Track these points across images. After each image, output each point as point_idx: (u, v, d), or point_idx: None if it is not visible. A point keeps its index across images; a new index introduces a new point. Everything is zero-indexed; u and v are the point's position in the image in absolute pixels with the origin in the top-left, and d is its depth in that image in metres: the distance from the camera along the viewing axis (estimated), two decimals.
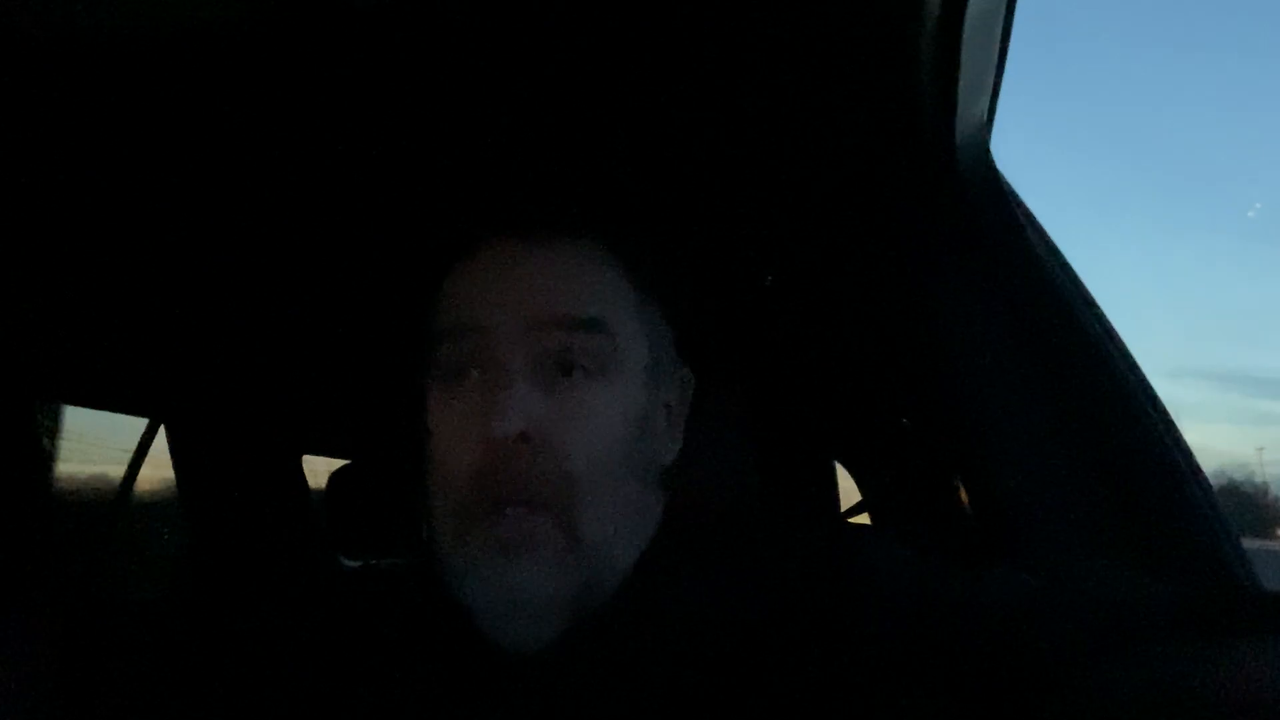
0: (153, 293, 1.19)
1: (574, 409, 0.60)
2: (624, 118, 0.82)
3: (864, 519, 2.05)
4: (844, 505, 1.94)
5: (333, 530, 1.80)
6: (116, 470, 1.72)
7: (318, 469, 2.19)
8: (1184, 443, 0.73)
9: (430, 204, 0.97)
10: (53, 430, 1.18)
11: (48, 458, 0.97)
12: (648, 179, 0.94)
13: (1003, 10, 0.71)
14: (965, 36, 0.66)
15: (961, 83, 0.71)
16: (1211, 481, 0.74)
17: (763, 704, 0.55)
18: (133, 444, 1.70)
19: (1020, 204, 0.83)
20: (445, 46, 0.69)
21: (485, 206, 0.75)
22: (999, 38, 0.73)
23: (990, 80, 0.77)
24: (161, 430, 1.70)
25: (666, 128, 0.84)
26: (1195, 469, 0.72)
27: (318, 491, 2.12)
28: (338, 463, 2.19)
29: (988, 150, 0.82)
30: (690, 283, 0.74)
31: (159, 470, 1.74)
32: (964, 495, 0.83)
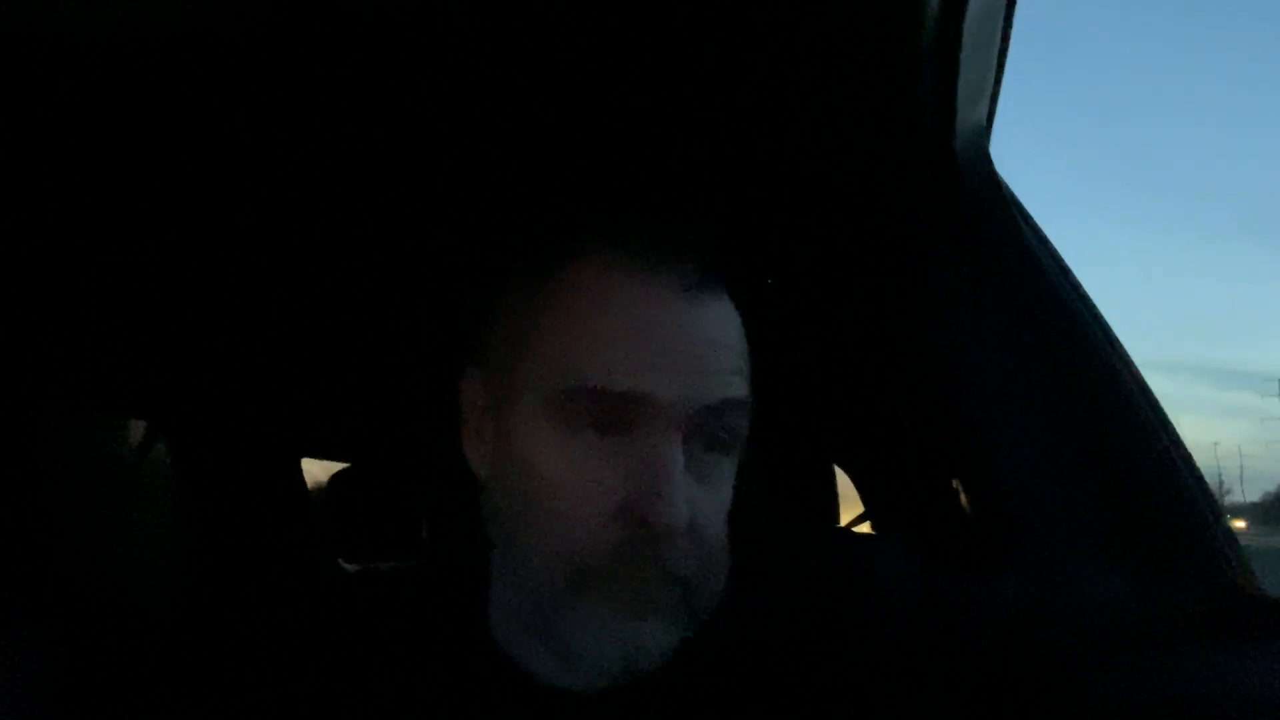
0: (154, 294, 1.19)
1: (716, 490, 0.59)
2: (624, 117, 0.82)
3: (865, 526, 2.04)
4: (846, 509, 1.94)
5: (333, 533, 1.80)
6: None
7: (310, 469, 2.19)
8: (1183, 446, 0.73)
9: (454, 204, 0.96)
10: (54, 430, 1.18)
11: (48, 458, 0.97)
12: (651, 181, 0.94)
13: (1002, 13, 0.71)
14: (965, 39, 0.66)
15: (961, 86, 0.71)
16: None
17: (771, 707, 0.56)
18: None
19: (1020, 207, 0.83)
20: (449, 35, 0.69)
21: (564, 222, 0.70)
22: (998, 41, 0.73)
23: (990, 83, 0.77)
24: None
25: (669, 130, 0.84)
26: (1195, 473, 0.72)
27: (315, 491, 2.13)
28: (333, 465, 2.19)
29: (987, 153, 0.82)
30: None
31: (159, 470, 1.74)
32: (963, 498, 0.83)
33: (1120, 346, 0.78)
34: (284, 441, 1.98)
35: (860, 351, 1.30)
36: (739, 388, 0.59)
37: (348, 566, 2.09)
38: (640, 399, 0.56)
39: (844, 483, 1.93)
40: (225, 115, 0.77)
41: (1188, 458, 0.73)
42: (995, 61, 0.75)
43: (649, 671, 0.56)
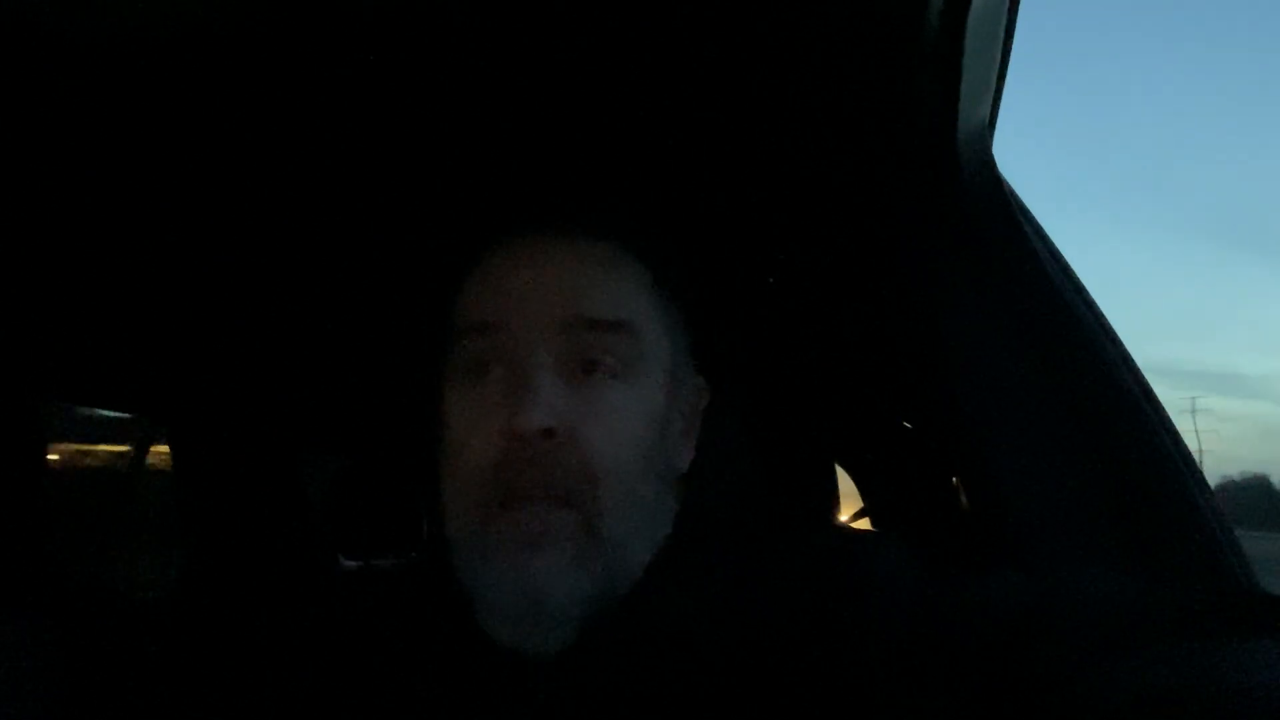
0: (154, 292, 1.19)
1: (597, 407, 0.60)
2: (628, 117, 0.82)
3: (865, 523, 2.05)
4: (846, 506, 1.95)
5: (332, 530, 1.80)
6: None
7: None
8: (1183, 444, 0.73)
9: (445, 201, 0.97)
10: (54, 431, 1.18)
11: (48, 458, 0.97)
12: (658, 180, 0.94)
13: (1005, 12, 0.71)
14: (967, 38, 0.66)
15: (964, 85, 0.71)
16: None
17: (770, 706, 0.56)
18: None
19: (1022, 206, 0.83)
20: (457, 40, 0.69)
21: (503, 204, 0.75)
22: (1001, 40, 0.73)
23: (992, 82, 0.77)
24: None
25: (670, 129, 0.84)
26: (1195, 471, 0.72)
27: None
28: None
29: (989, 152, 0.82)
30: (707, 288, 0.74)
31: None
32: (963, 497, 0.83)
33: (1121, 345, 0.78)
34: (283, 439, 1.98)
35: (861, 350, 1.30)
36: (612, 311, 0.62)
37: (347, 563, 2.09)
38: (494, 325, 0.61)
39: (844, 481, 1.94)
40: (223, 114, 0.77)
41: (1188, 456, 0.73)
42: (998, 60, 0.75)
43: (558, 608, 0.57)
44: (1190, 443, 0.76)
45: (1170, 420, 0.74)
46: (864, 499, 2.05)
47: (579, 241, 0.64)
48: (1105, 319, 0.79)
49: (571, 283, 0.62)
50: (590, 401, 0.60)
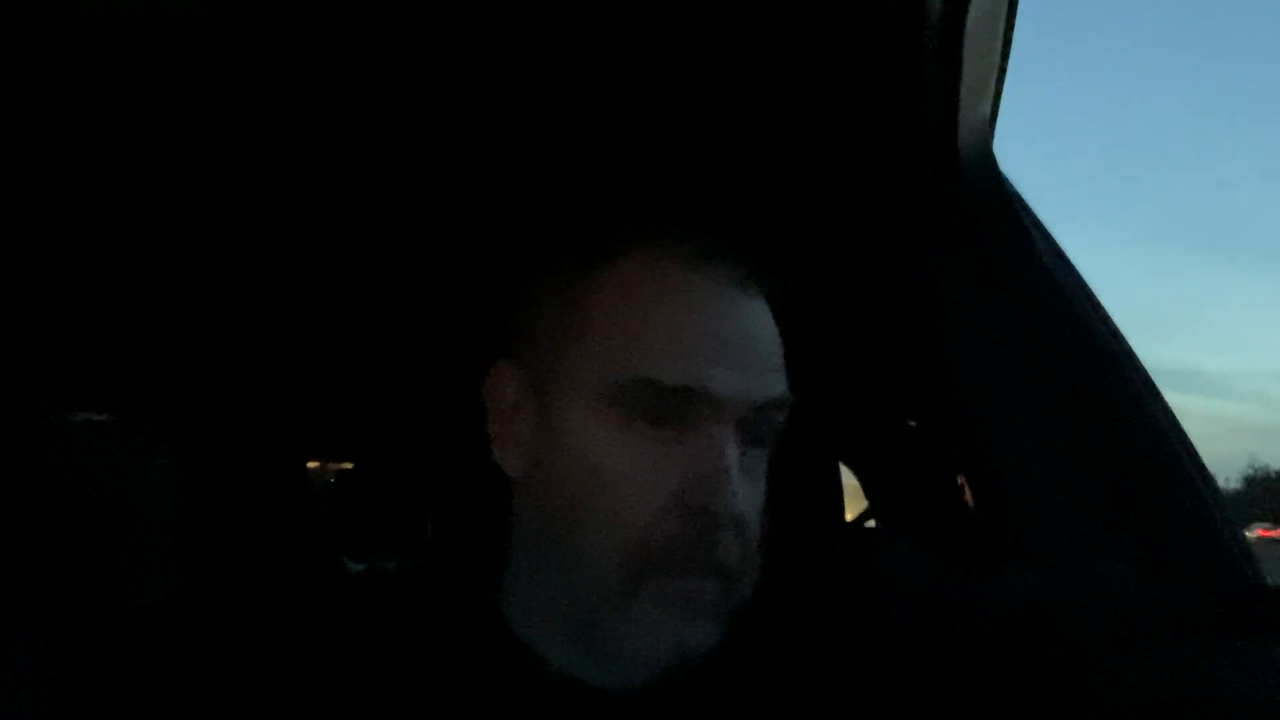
0: (158, 295, 1.19)
1: (757, 484, 0.60)
2: (626, 117, 0.82)
3: (872, 522, 2.04)
4: (849, 506, 1.94)
5: (338, 533, 1.80)
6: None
7: None
8: (1189, 442, 0.73)
9: (425, 212, 0.97)
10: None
11: (49, 458, 0.97)
12: (652, 180, 0.94)
13: (1005, 10, 0.70)
14: (968, 37, 0.65)
15: (964, 83, 0.70)
16: None
17: (777, 705, 0.55)
18: None
19: (1024, 204, 0.82)
20: (453, 41, 0.69)
21: (611, 214, 0.69)
22: (1001, 38, 0.73)
23: (993, 81, 0.77)
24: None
25: (670, 130, 0.84)
26: (1201, 468, 0.72)
27: None
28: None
29: (991, 150, 0.82)
30: None
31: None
32: (969, 495, 0.83)
33: (1125, 342, 0.78)
34: (287, 441, 1.98)
35: (864, 349, 1.30)
36: (783, 385, 0.60)
37: (353, 566, 2.09)
38: (699, 393, 0.56)
39: (848, 479, 1.93)
40: (228, 114, 0.77)
41: (1193, 453, 0.73)
42: (999, 58, 0.75)
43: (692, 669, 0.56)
44: None
45: (1175, 416, 0.74)
46: (869, 498, 2.05)
47: (750, 289, 0.61)
48: (1109, 315, 0.78)
49: (764, 353, 0.59)
50: (752, 477, 0.59)
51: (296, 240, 1.07)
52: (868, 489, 2.06)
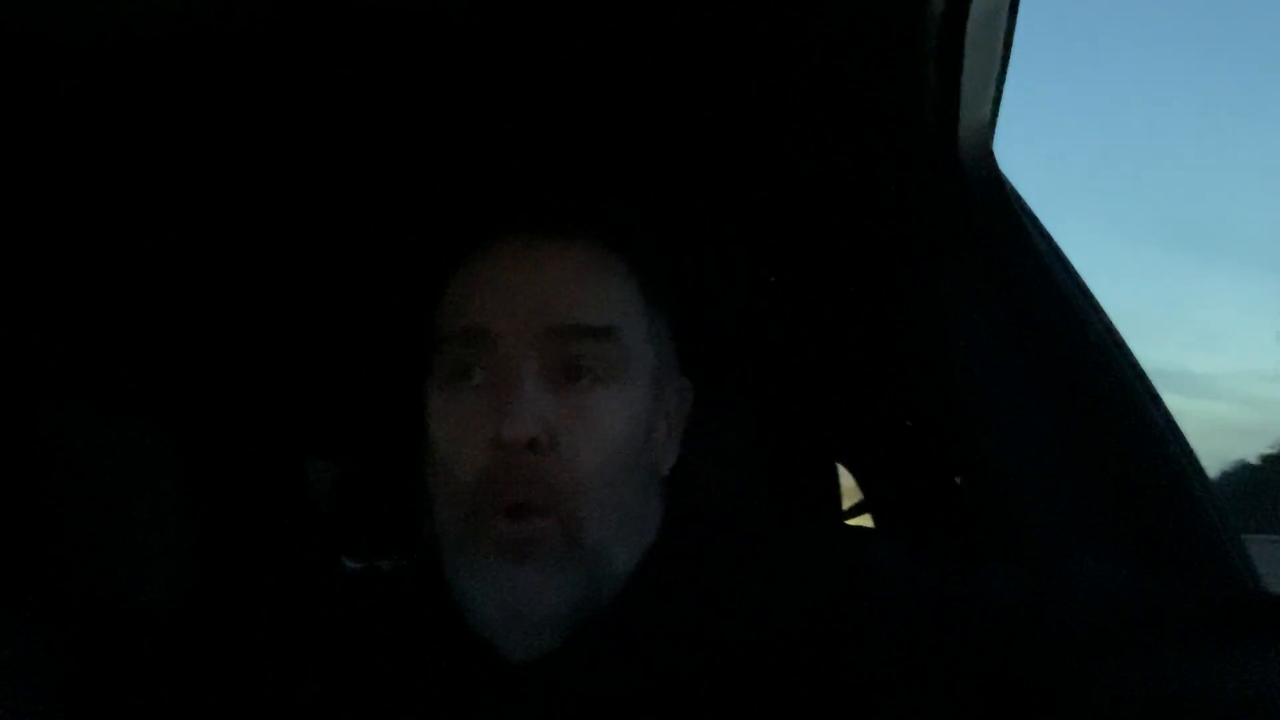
0: (156, 294, 1.19)
1: (582, 414, 0.60)
2: (625, 117, 0.82)
3: (866, 519, 2.04)
4: (847, 506, 1.94)
5: (335, 532, 1.80)
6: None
7: None
8: (1186, 443, 0.73)
9: (434, 203, 0.97)
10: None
11: (49, 458, 0.97)
12: (650, 181, 0.94)
13: (1006, 11, 0.70)
14: (968, 37, 0.66)
15: (964, 84, 0.71)
16: None
17: (766, 706, 0.55)
18: None
19: (1023, 205, 0.83)
20: (449, 41, 0.69)
21: (491, 205, 0.75)
22: (1002, 38, 0.73)
23: (994, 81, 0.77)
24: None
25: (669, 129, 0.84)
26: (1198, 469, 0.72)
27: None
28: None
29: (990, 152, 0.82)
30: (695, 290, 0.74)
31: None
32: (966, 496, 0.83)
33: (1124, 343, 0.78)
34: (285, 440, 1.98)
35: (862, 349, 1.30)
36: (589, 315, 0.61)
37: (350, 565, 2.09)
38: (480, 331, 0.60)
39: (845, 478, 1.93)
40: (225, 113, 0.77)
41: (1190, 454, 0.73)
42: (999, 58, 0.75)
43: (541, 620, 0.57)
44: None
45: (1172, 418, 0.74)
46: (866, 498, 2.05)
47: (566, 244, 0.64)
48: (1108, 317, 0.78)
49: (557, 288, 0.62)
50: (574, 408, 0.60)
51: (293, 239, 1.07)
52: (865, 488, 2.06)
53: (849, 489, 1.93)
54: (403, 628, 0.66)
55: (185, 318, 1.29)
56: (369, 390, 1.68)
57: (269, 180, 0.92)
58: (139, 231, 1.01)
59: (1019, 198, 0.83)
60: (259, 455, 1.84)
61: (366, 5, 0.64)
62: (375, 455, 2.13)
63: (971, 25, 0.65)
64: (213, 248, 1.07)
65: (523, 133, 0.83)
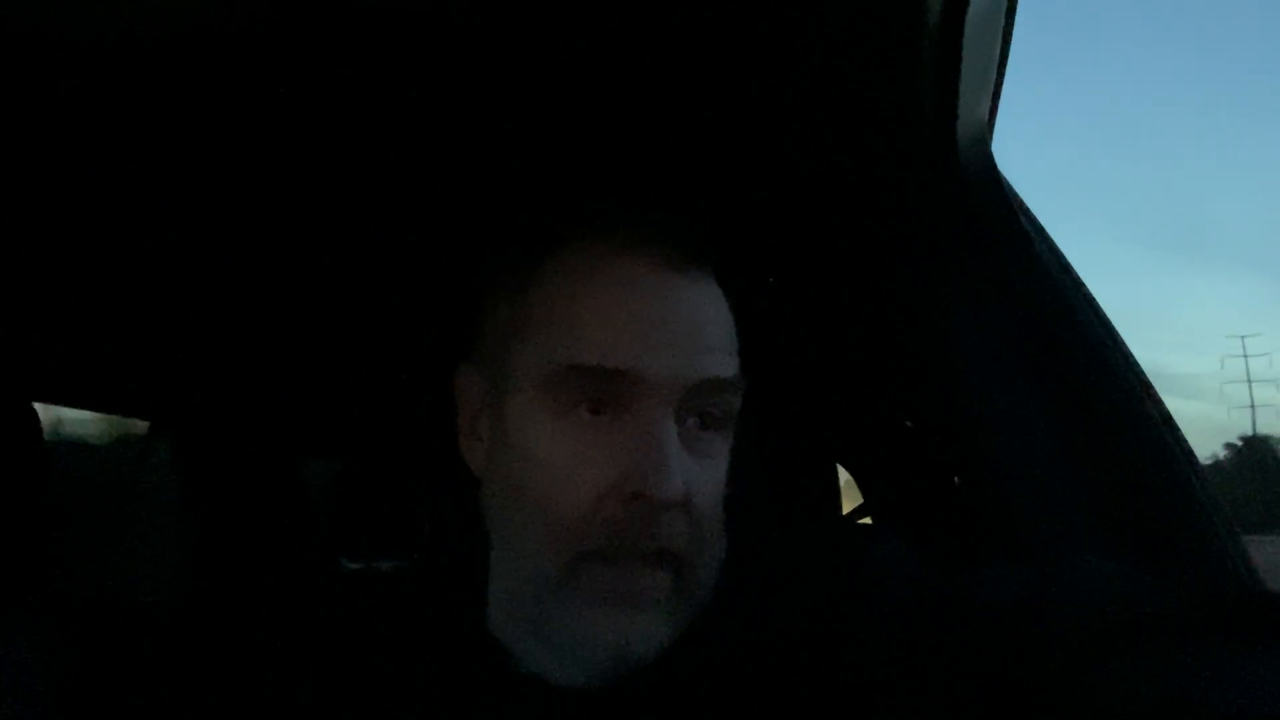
0: (155, 294, 1.19)
1: (710, 467, 0.59)
2: (624, 117, 0.82)
3: (865, 520, 2.05)
4: (846, 507, 1.94)
5: (334, 532, 1.80)
6: None
7: None
8: (1186, 443, 0.73)
9: (423, 211, 0.97)
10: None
11: (48, 458, 0.97)
12: (661, 184, 0.93)
13: (1004, 11, 0.71)
14: (966, 37, 0.66)
15: (963, 84, 0.71)
16: None
17: (767, 705, 0.55)
18: None
19: (1022, 205, 0.82)
20: (464, 41, 0.69)
21: (560, 215, 0.70)
22: (1000, 38, 0.73)
23: (992, 81, 0.77)
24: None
25: (667, 129, 0.84)
26: (1197, 470, 0.72)
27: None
28: None
29: (989, 151, 0.82)
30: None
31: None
32: (965, 496, 0.83)
33: (1122, 343, 0.78)
34: (285, 441, 1.98)
35: (861, 349, 1.30)
36: (728, 366, 0.60)
37: (349, 566, 2.09)
38: (631, 376, 0.56)
39: (844, 478, 1.93)
40: (228, 114, 0.77)
41: (1189, 453, 0.73)
42: (998, 59, 0.75)
43: (644, 666, 0.55)
44: None
45: (1171, 418, 0.74)
46: (865, 498, 2.05)
47: (694, 275, 0.60)
48: (1106, 316, 0.78)
49: (703, 334, 0.59)
50: (704, 462, 0.58)
51: (293, 240, 1.07)
52: (864, 489, 2.06)
53: (844, 485, 1.93)
54: (411, 629, 0.65)
55: (186, 319, 1.29)
56: (370, 389, 1.68)
57: (268, 181, 0.92)
58: (140, 232, 1.01)
59: (1017, 197, 0.83)
60: (258, 455, 1.84)
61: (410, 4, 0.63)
62: (375, 455, 2.13)
63: (970, 25, 0.65)
64: (213, 249, 1.07)
65: (519, 135, 0.83)
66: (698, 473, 0.57)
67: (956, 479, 0.82)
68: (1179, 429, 0.74)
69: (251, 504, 1.78)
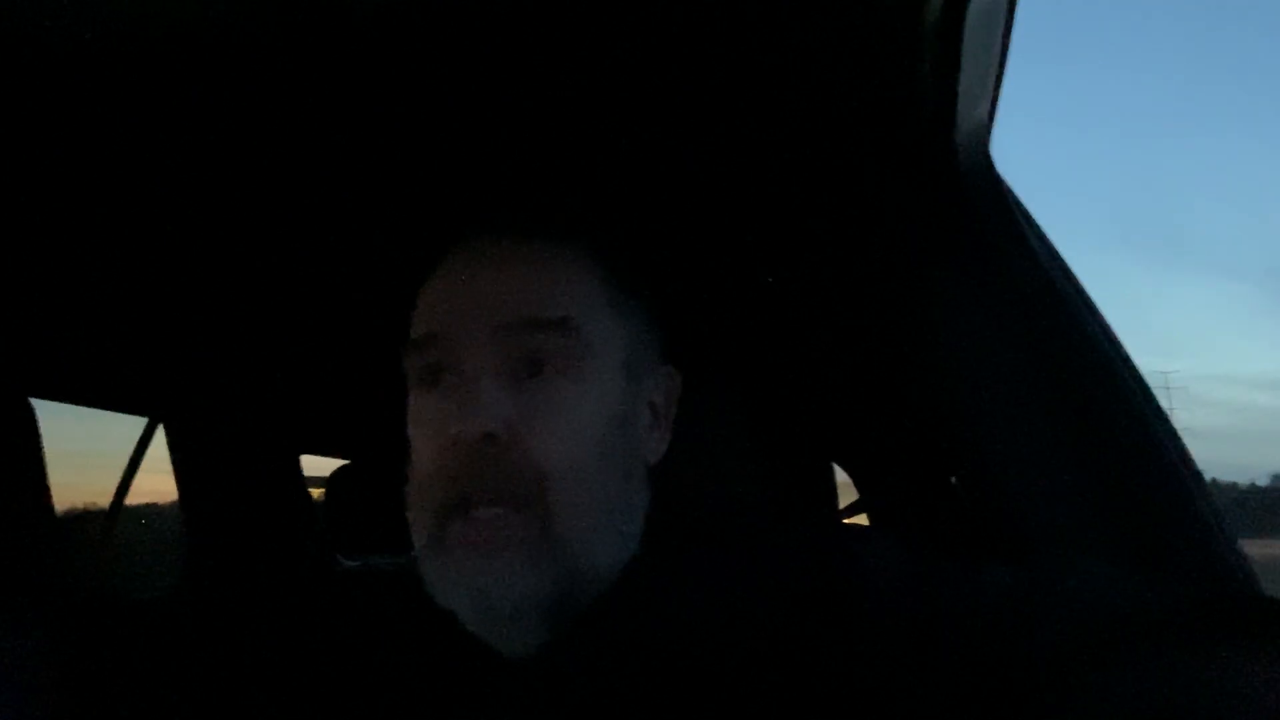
0: (152, 292, 1.19)
1: (542, 406, 0.61)
2: (623, 117, 0.82)
3: (862, 519, 2.05)
4: (843, 505, 1.95)
5: (331, 530, 1.80)
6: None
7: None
8: (1182, 444, 0.73)
9: (413, 206, 0.97)
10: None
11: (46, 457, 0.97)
12: (640, 179, 0.94)
13: (1004, 11, 0.71)
14: (966, 36, 0.66)
15: (962, 84, 0.71)
16: None
17: (759, 703, 0.55)
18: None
19: (1020, 206, 0.82)
20: (425, 45, 0.69)
21: (461, 208, 0.75)
22: (1000, 39, 0.73)
23: (991, 82, 0.77)
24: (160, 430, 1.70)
25: (665, 128, 0.84)
26: (1194, 471, 0.72)
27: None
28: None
29: (988, 152, 0.82)
30: (677, 282, 0.74)
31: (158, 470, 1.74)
32: (961, 496, 0.83)
33: (1120, 344, 0.78)
34: (283, 438, 1.98)
35: (859, 348, 1.30)
36: (551, 309, 0.62)
37: (347, 563, 2.09)
38: (443, 337, 0.62)
39: (842, 478, 1.94)
40: (221, 114, 0.77)
41: (1186, 455, 0.73)
42: (997, 60, 0.75)
43: (520, 614, 0.57)
44: None
45: (1169, 419, 0.74)
46: (861, 497, 2.05)
47: (522, 241, 0.65)
48: (1103, 318, 0.78)
49: (508, 285, 0.63)
50: (535, 402, 0.61)
51: (292, 237, 1.07)
52: (860, 488, 2.06)
53: (841, 484, 1.94)
54: (396, 625, 0.66)
55: (182, 317, 1.29)
56: (365, 389, 1.68)
57: (262, 182, 0.92)
58: (136, 232, 1.01)
59: (1016, 198, 0.83)
60: (256, 452, 1.84)
61: (338, 9, 0.64)
62: (370, 453, 2.13)
63: (969, 24, 0.65)
64: (208, 247, 1.07)
65: (493, 133, 0.83)
66: (530, 413, 0.60)
67: (953, 479, 0.82)
68: (1176, 430, 0.74)
69: (249, 502, 1.78)
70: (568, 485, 0.60)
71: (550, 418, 0.60)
